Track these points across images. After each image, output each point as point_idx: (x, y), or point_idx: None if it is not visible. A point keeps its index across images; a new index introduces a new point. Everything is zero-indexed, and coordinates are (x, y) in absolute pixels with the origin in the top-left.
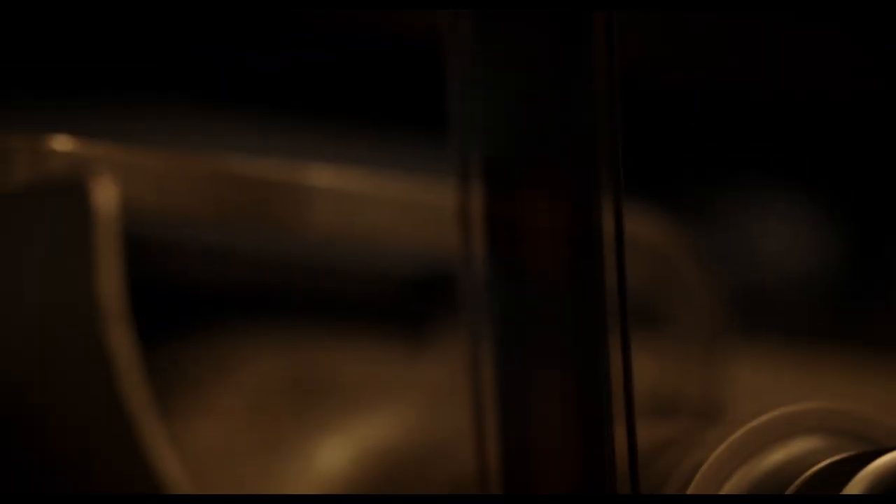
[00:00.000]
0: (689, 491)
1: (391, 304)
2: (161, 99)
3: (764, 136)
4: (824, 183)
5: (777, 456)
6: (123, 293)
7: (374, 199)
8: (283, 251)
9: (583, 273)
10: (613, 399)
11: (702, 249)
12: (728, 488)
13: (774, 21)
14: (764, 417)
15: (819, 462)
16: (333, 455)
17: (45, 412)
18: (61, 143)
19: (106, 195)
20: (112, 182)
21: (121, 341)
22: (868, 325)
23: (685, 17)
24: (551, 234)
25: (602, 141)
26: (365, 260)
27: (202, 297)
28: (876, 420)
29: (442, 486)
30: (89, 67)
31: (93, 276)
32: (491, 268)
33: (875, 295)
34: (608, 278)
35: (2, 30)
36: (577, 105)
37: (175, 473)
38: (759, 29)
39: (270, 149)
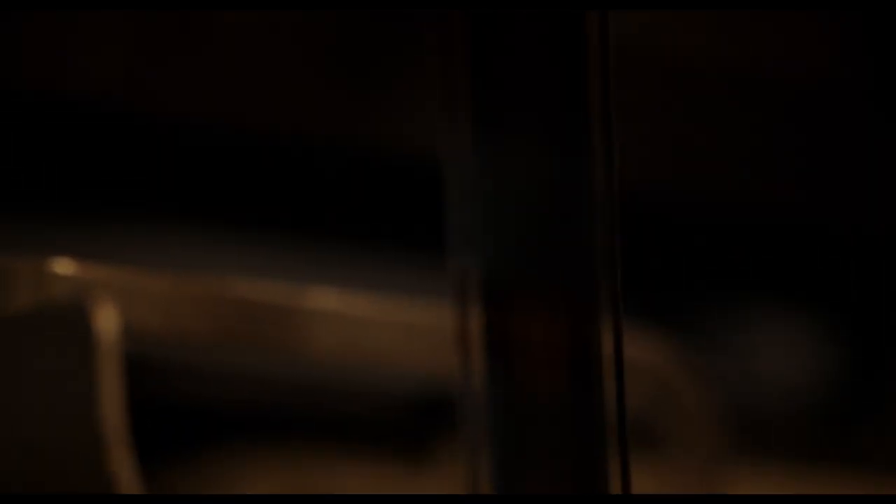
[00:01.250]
0: None
1: (391, 424)
2: (163, 221)
3: (764, 258)
4: (823, 304)
5: None
6: (124, 416)
7: (373, 322)
8: (283, 372)
9: (582, 393)
10: None
11: (701, 370)
12: None
13: (776, 143)
14: None
15: None
16: None
17: None
18: (63, 267)
19: (107, 319)
20: (113, 306)
21: (122, 464)
22: (865, 445)
23: (687, 139)
24: (550, 354)
25: (601, 261)
26: (365, 381)
27: (203, 418)
28: None
29: None
30: (92, 190)
31: (94, 399)
32: (490, 388)
33: (871, 415)
34: (607, 398)
35: (6, 152)
36: (577, 224)
37: None
38: (760, 148)
39: (271, 271)
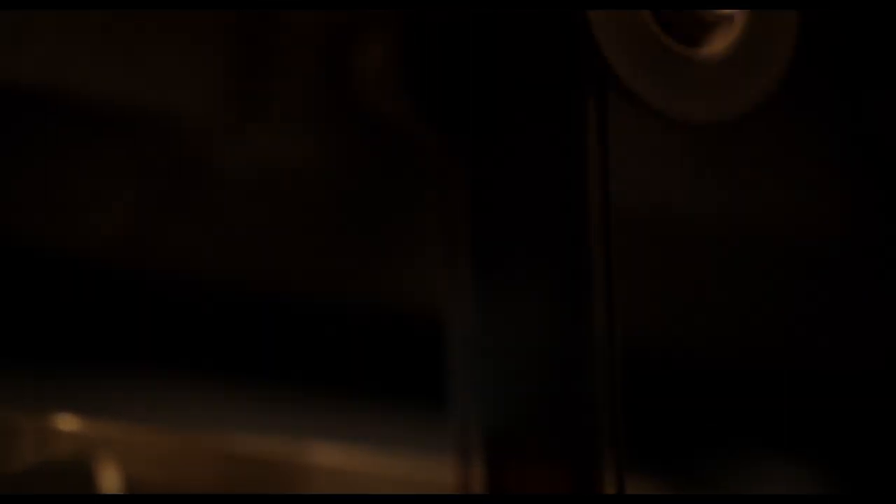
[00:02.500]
0: None
1: None
2: (163, 375)
3: (771, 410)
4: (831, 458)
5: None
6: None
7: (375, 477)
8: None
9: None
10: None
11: None
12: None
13: (777, 296)
14: None
15: None
16: None
17: None
18: (66, 423)
19: (110, 477)
20: (116, 464)
21: None
22: None
23: (689, 295)
24: None
25: (604, 414)
26: None
27: None
28: None
29: None
30: (96, 345)
31: None
32: None
33: None
34: None
35: (8, 306)
36: (579, 378)
37: None
38: (765, 303)
39: (274, 426)
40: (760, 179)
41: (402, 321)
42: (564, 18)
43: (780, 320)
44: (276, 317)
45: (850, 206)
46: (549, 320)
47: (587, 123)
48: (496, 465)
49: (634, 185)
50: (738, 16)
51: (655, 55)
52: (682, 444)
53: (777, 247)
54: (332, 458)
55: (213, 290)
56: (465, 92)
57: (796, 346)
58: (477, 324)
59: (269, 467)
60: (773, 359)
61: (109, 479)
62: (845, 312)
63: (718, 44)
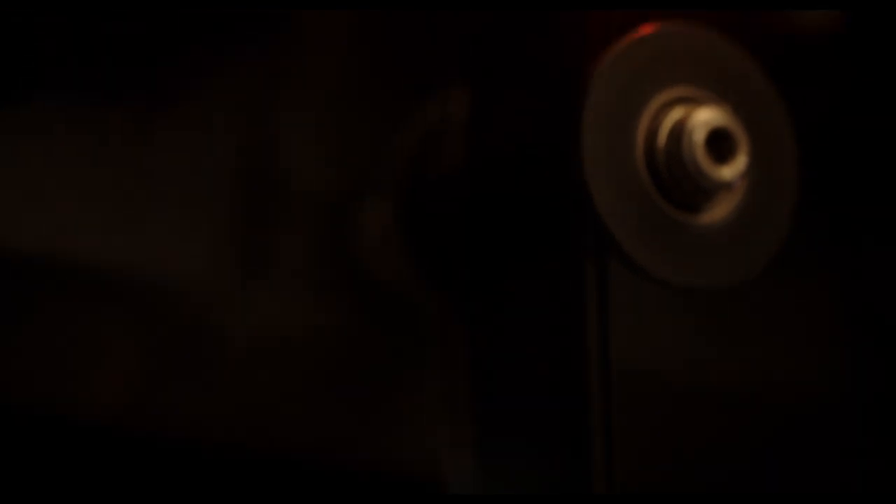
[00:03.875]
0: None
1: None
2: None
3: None
4: None
5: None
6: None
7: None
8: None
9: None
10: None
11: None
12: None
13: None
14: None
15: None
16: None
17: None
18: None
19: None
20: None
21: None
22: None
23: (689, 444)
24: None
25: None
26: None
27: None
28: None
29: None
30: None
31: None
32: None
33: None
34: None
35: (8, 466)
36: None
37: None
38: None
39: None
40: (758, 338)
41: (403, 481)
42: (564, 183)
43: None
44: (277, 479)
45: (846, 365)
46: (549, 482)
47: (586, 288)
48: None
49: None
50: (739, 183)
51: (656, 222)
52: None
53: (769, 403)
54: None
55: (215, 452)
56: (466, 256)
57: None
58: (478, 484)
59: None
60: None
61: None
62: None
63: (719, 210)
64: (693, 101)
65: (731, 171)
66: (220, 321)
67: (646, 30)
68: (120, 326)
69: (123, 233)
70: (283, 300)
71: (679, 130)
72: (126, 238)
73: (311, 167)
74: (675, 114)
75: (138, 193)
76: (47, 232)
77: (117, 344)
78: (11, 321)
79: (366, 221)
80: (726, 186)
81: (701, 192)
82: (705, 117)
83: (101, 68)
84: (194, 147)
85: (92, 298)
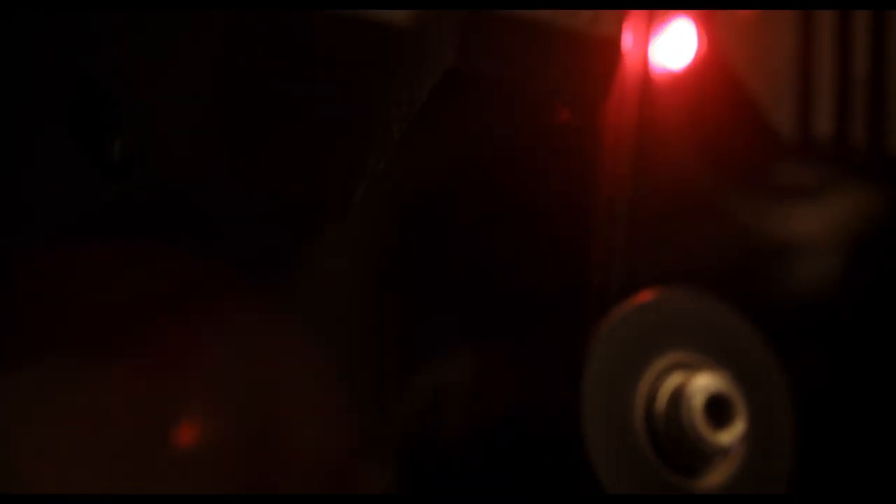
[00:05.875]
0: None
1: None
2: None
3: None
4: None
5: None
6: None
7: None
8: None
9: None
10: None
11: None
12: None
13: None
14: None
15: None
16: None
17: None
18: None
19: None
20: None
21: None
22: None
23: None
24: None
25: None
26: None
27: None
28: None
29: None
30: None
31: None
32: None
33: None
34: None
35: None
36: None
37: None
38: None
39: None
40: None
41: None
42: (564, 447)
43: None
44: None
45: None
46: None
47: None
48: None
49: None
50: (736, 448)
51: (655, 489)
52: None
53: None
54: None
55: None
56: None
57: None
58: None
59: None
60: None
61: None
62: None
63: (716, 475)
64: (692, 367)
65: (729, 436)
66: None
67: (646, 296)
68: None
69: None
70: None
71: (678, 395)
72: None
73: (312, 428)
74: (675, 379)
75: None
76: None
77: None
78: None
79: (367, 481)
80: (724, 451)
81: (699, 456)
82: (704, 383)
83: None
84: (193, 414)
85: None
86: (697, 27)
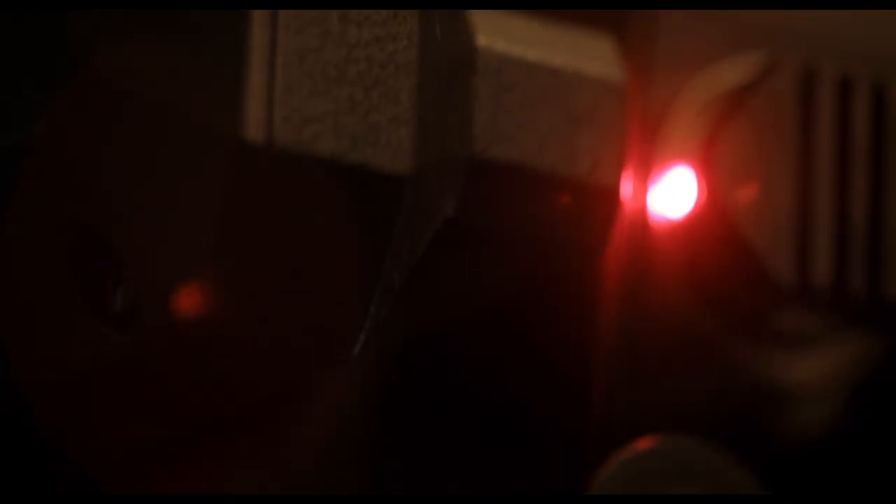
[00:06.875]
0: None
1: None
2: None
3: None
4: None
5: None
6: None
7: None
8: None
9: None
10: None
11: None
12: None
13: None
14: None
15: None
16: None
17: None
18: None
19: None
20: None
21: None
22: None
23: None
24: None
25: None
26: None
27: None
28: None
29: None
30: None
31: None
32: None
33: None
34: None
35: None
36: None
37: None
38: None
39: None
40: None
41: None
42: None
43: None
44: None
45: None
46: None
47: None
48: None
49: None
50: None
51: None
52: None
53: None
54: None
55: None
56: None
57: None
58: None
59: None
60: None
61: None
62: None
63: None
64: None
65: None
66: None
67: (644, 444)
68: None
69: None
70: None
71: None
72: None
73: None
74: None
75: None
76: None
77: None
78: None
79: None
80: None
81: None
82: None
83: None
84: None
85: None
86: (697, 175)
